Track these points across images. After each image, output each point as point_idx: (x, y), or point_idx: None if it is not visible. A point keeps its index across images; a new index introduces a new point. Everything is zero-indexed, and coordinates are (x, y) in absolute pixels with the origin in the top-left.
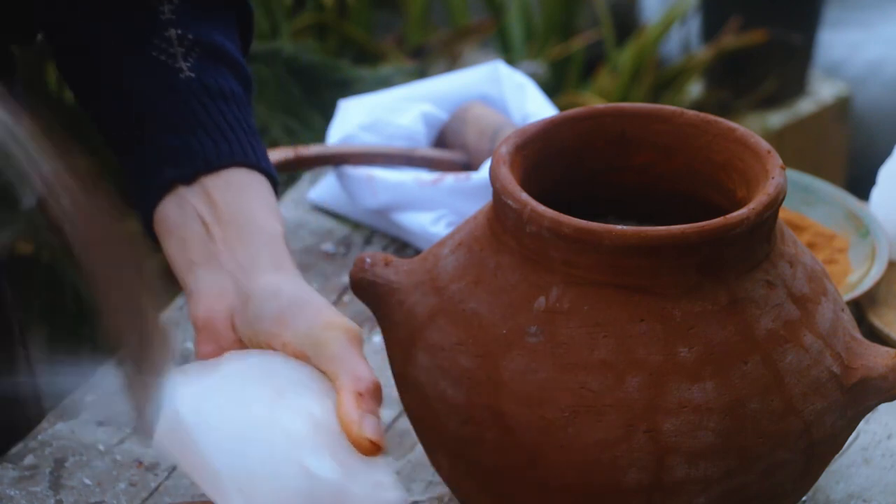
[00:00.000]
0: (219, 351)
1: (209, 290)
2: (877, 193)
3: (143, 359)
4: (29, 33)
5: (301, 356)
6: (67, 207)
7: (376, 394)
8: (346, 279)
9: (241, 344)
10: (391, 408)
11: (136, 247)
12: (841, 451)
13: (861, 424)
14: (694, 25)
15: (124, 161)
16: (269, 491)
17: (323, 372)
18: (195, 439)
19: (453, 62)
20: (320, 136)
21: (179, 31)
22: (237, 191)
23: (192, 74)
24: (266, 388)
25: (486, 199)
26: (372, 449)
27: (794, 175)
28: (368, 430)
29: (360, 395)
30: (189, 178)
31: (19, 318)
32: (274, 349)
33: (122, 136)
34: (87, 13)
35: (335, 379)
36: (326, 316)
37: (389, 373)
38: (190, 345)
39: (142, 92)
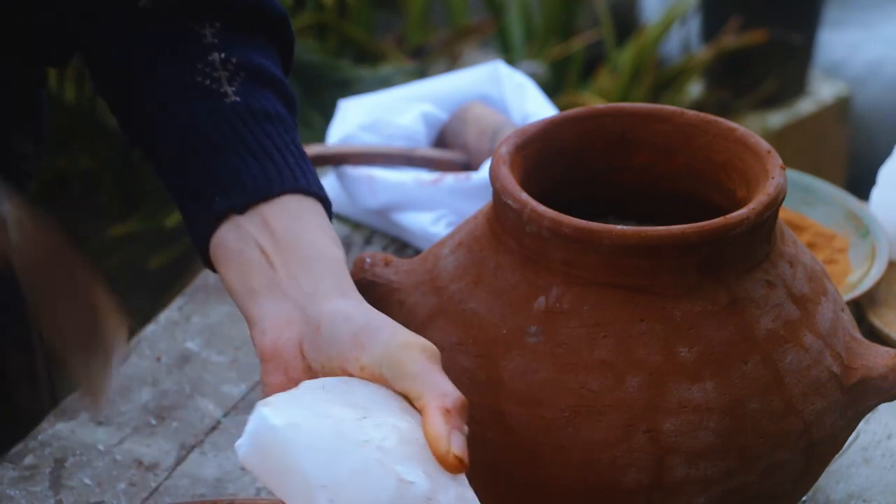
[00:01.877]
0: (287, 381)
1: (275, 319)
2: (877, 193)
3: (90, 350)
4: (66, 56)
5: (379, 379)
6: (16, 237)
7: (462, 410)
8: None
9: (311, 373)
10: None
11: (85, 269)
12: (841, 451)
13: (861, 424)
14: (694, 25)
15: (173, 187)
16: (360, 497)
17: (404, 393)
18: (286, 454)
19: (453, 62)
20: (320, 136)
21: (223, 55)
22: (293, 218)
23: (238, 98)
24: (349, 407)
25: (486, 199)
26: (459, 466)
27: (794, 175)
28: (456, 447)
29: (448, 410)
30: (242, 208)
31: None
32: (349, 374)
33: (171, 164)
34: (130, 37)
35: (419, 398)
36: (402, 337)
37: None
38: (190, 344)
39: (188, 118)
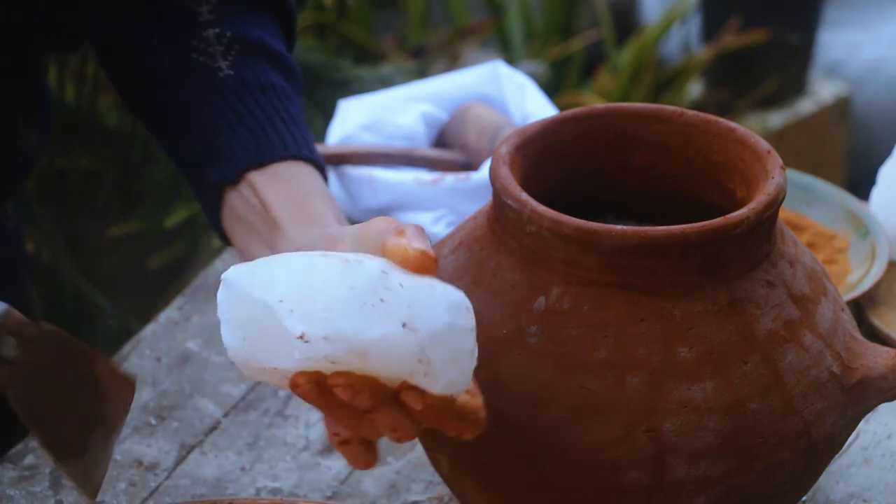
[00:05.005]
0: None
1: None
2: (877, 193)
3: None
4: (68, 41)
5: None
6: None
7: (418, 229)
8: None
9: None
10: None
11: (83, 350)
12: (841, 451)
13: (861, 424)
14: (694, 25)
15: (180, 165)
16: (312, 289)
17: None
18: (246, 296)
19: (453, 62)
20: (320, 136)
21: (218, 31)
22: (284, 182)
23: (231, 72)
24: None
25: (486, 199)
26: (422, 259)
27: (794, 175)
28: (416, 243)
29: (402, 231)
30: (235, 178)
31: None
32: None
33: (172, 142)
34: (129, 18)
35: (383, 246)
36: (371, 223)
37: None
38: (190, 344)
39: (184, 96)
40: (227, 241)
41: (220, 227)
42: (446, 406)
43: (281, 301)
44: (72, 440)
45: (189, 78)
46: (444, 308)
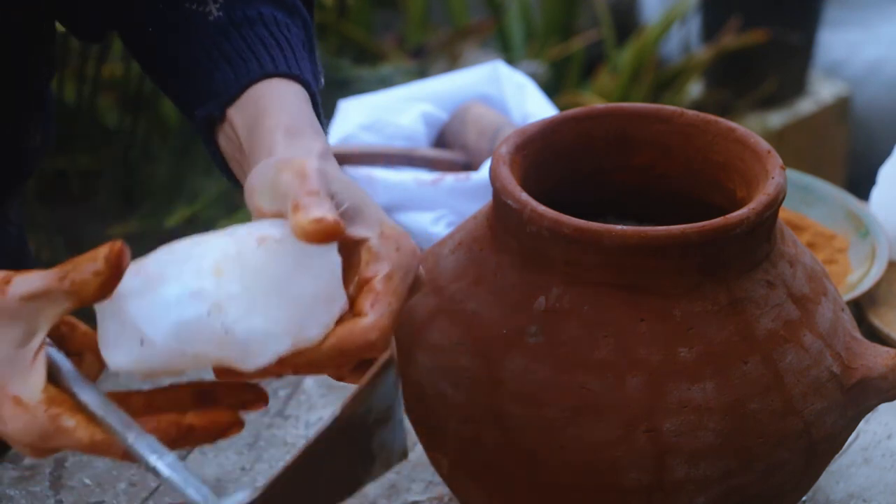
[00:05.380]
0: None
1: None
2: (877, 193)
3: None
4: (98, 28)
5: (278, 214)
6: None
7: (314, 194)
8: None
9: None
10: None
11: None
12: (841, 451)
13: (861, 424)
14: (694, 25)
15: (185, 116)
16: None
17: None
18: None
19: (453, 62)
20: None
21: None
22: (253, 105)
23: (221, 14)
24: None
25: (486, 199)
26: (320, 230)
27: (794, 175)
28: (313, 212)
29: (297, 205)
30: (221, 113)
31: None
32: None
33: (173, 92)
34: None
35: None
36: (279, 162)
37: None
38: None
39: (177, 45)
40: (238, 185)
41: (229, 170)
42: (309, 358)
43: (124, 295)
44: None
45: (181, 27)
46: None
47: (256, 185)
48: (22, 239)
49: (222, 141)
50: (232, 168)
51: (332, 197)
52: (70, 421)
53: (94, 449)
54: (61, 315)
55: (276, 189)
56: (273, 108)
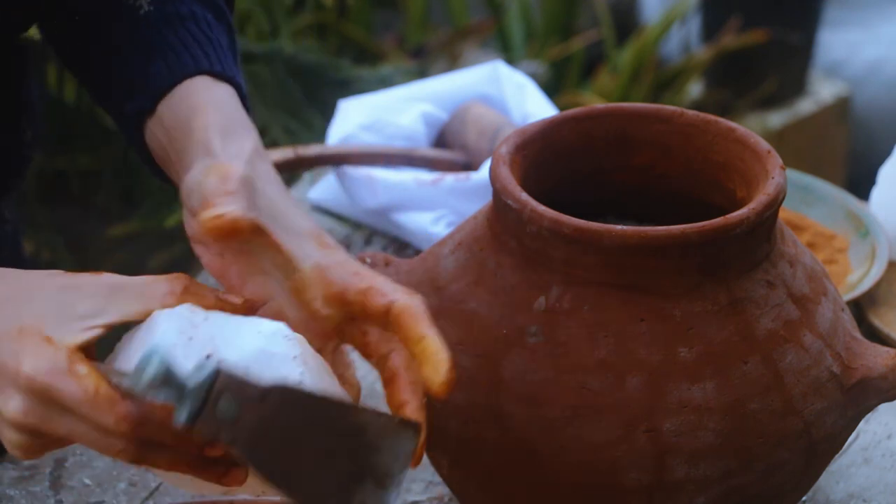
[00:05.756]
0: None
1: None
2: (877, 193)
3: None
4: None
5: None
6: None
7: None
8: None
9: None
10: None
11: None
12: (841, 451)
13: (861, 424)
14: (694, 25)
15: (109, 112)
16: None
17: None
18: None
19: (453, 62)
20: (320, 136)
21: None
22: (184, 105)
23: (151, 8)
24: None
25: (486, 199)
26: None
27: (794, 175)
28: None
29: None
30: (153, 108)
31: None
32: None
33: (100, 87)
34: None
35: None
36: (213, 164)
37: None
38: None
39: (108, 38)
40: (171, 183)
41: (156, 166)
42: None
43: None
44: (331, 495)
45: (113, 22)
46: (254, 335)
47: (193, 186)
48: (17, 238)
49: (149, 137)
50: (159, 164)
51: (252, 202)
52: (84, 368)
53: (96, 402)
54: (133, 316)
55: (202, 192)
56: (208, 106)
